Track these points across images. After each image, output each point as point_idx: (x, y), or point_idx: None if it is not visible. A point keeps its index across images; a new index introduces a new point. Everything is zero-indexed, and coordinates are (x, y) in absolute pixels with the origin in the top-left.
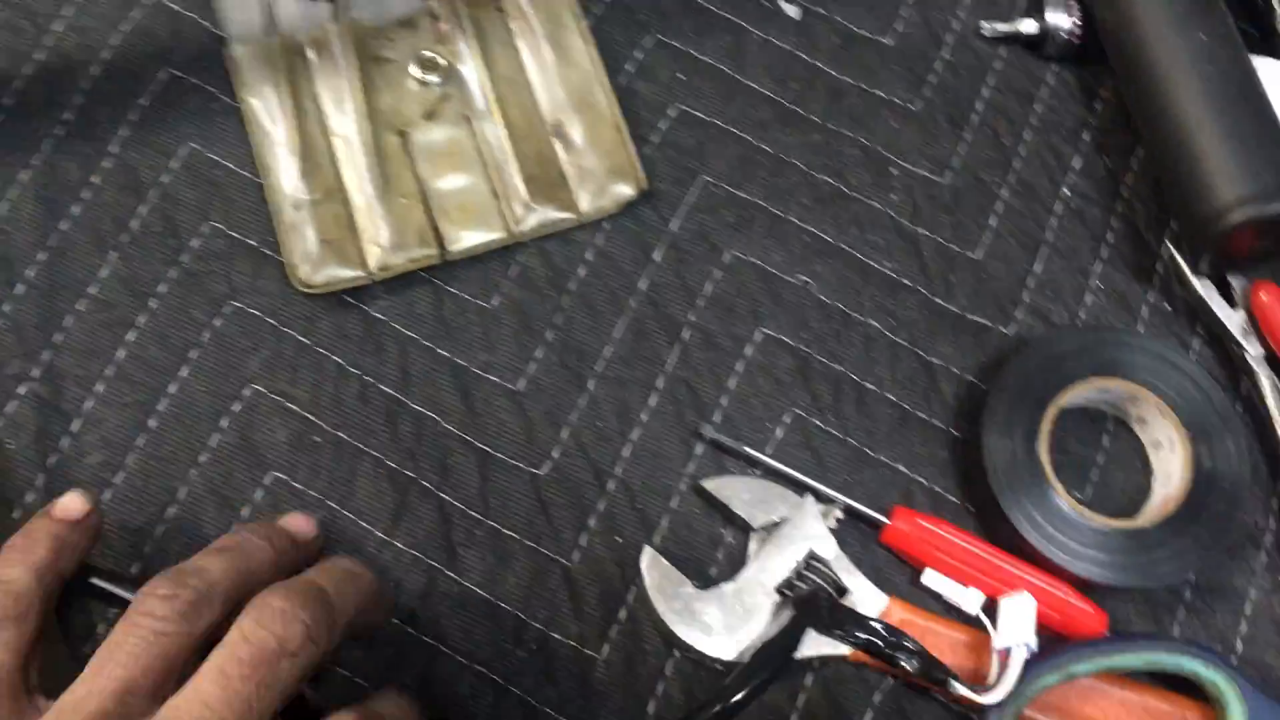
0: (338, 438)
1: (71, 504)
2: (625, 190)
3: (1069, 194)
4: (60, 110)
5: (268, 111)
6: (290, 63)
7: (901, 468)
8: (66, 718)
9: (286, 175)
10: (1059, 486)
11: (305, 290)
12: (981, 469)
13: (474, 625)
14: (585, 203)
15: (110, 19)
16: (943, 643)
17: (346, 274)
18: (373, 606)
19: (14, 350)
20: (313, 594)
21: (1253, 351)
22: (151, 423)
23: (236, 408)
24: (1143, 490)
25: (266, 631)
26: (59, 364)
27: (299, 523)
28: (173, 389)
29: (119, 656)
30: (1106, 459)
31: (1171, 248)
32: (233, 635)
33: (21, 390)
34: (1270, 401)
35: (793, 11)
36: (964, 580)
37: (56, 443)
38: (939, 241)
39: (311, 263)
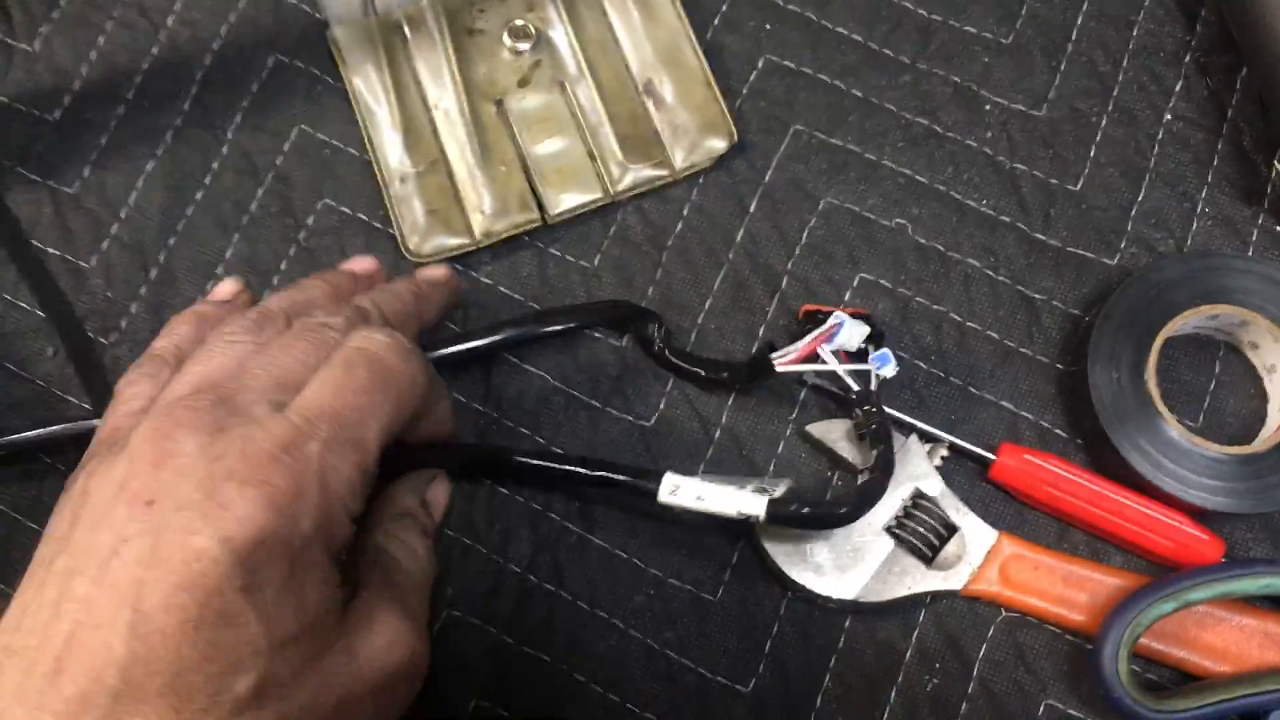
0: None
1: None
2: (718, 144)
3: (1171, 119)
4: (178, 101)
5: (370, 90)
6: (388, 41)
7: (1006, 404)
8: (159, 404)
9: (392, 150)
10: (1168, 415)
11: (415, 260)
12: (1088, 402)
13: (596, 575)
14: (679, 159)
15: (218, 10)
16: (1055, 575)
17: (453, 242)
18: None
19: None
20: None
21: None
22: None
23: None
24: (1258, 416)
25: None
26: None
27: (359, 262)
28: None
29: (201, 358)
30: (1218, 386)
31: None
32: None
33: None
34: None
35: None
36: (1073, 512)
37: None
38: (1037, 176)
39: (420, 233)
